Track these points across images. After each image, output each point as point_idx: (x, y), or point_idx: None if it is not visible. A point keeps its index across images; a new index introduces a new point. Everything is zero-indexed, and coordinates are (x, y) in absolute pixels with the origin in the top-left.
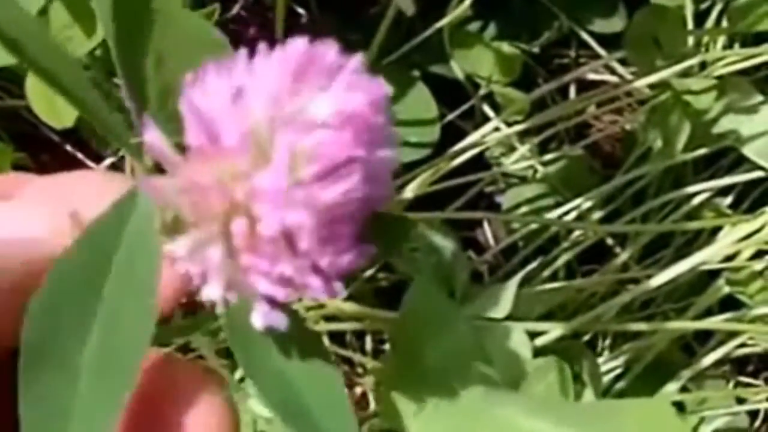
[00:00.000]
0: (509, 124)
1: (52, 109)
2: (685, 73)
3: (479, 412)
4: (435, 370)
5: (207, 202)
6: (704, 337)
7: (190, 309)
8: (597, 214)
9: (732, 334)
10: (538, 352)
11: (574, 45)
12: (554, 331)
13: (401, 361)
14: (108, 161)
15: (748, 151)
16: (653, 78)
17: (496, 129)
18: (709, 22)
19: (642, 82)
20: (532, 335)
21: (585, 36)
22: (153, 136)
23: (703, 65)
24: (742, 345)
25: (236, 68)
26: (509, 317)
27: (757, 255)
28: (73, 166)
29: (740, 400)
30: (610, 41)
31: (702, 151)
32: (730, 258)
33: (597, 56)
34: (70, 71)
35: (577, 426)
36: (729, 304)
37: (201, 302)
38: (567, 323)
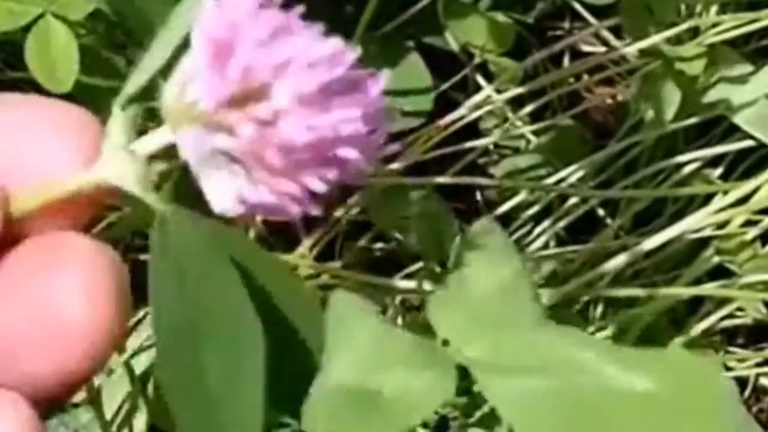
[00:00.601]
0: (502, 93)
1: (51, 75)
2: (677, 42)
3: (530, 337)
4: (489, 296)
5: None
6: (694, 308)
7: None
8: (589, 184)
9: (721, 304)
10: None
11: (568, 17)
12: (544, 298)
13: (456, 284)
14: None
15: (738, 119)
16: (644, 44)
17: (488, 98)
18: None
19: (633, 48)
20: None
21: (578, 7)
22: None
23: (695, 34)
24: (731, 316)
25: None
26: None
27: (747, 224)
28: None
29: (728, 369)
30: (603, 13)
31: (693, 120)
32: (720, 228)
33: (590, 26)
34: None
35: (623, 362)
36: (719, 274)
37: None
38: (557, 290)
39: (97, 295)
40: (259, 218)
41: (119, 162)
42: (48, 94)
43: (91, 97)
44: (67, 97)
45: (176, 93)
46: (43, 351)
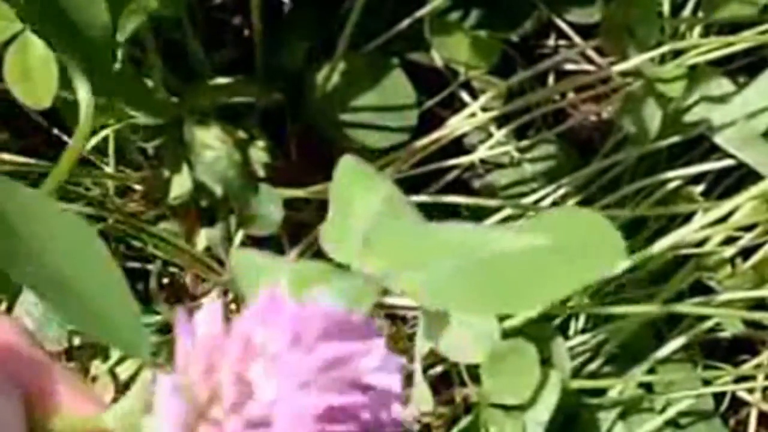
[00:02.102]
0: (488, 111)
1: (30, 89)
2: (660, 61)
3: (423, 235)
4: (369, 212)
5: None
6: (673, 323)
7: None
8: (572, 201)
9: (700, 319)
10: (507, 335)
11: (553, 36)
12: (524, 313)
13: (338, 212)
14: (91, 143)
15: (719, 139)
16: (626, 65)
17: (473, 115)
18: (686, 12)
19: (616, 69)
20: (502, 317)
21: (563, 26)
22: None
23: (676, 55)
24: (711, 331)
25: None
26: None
27: (727, 241)
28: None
29: (707, 383)
30: (589, 32)
31: (675, 139)
32: (700, 244)
33: (576, 47)
34: None
35: (517, 229)
36: (698, 291)
37: None
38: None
39: None
40: None
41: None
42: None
43: (71, 112)
44: (47, 112)
45: None
46: None
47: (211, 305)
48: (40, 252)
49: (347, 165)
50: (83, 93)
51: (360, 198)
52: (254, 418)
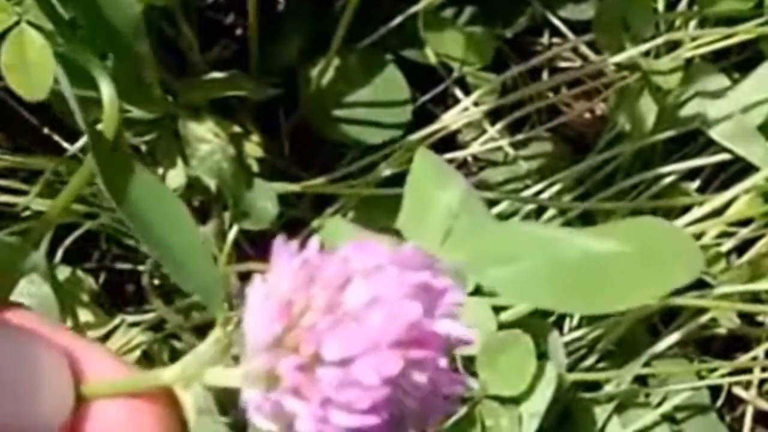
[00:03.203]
0: (480, 106)
1: (26, 82)
2: (655, 56)
3: (502, 233)
4: (447, 211)
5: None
6: (669, 319)
7: None
8: (567, 197)
9: (696, 315)
10: (504, 327)
11: (547, 33)
12: (520, 306)
13: (416, 211)
14: (83, 139)
15: (714, 134)
16: (621, 57)
17: (467, 110)
18: (681, 6)
19: (610, 61)
20: (498, 310)
21: (557, 22)
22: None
23: (672, 48)
24: (706, 327)
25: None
26: (476, 291)
27: (723, 236)
28: (47, 146)
29: (702, 379)
30: (582, 28)
31: (671, 133)
32: (696, 239)
33: (569, 42)
34: None
35: (595, 234)
36: (694, 286)
37: None
38: None
39: None
40: None
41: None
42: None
43: (65, 106)
44: (43, 105)
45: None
46: None
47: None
48: (151, 224)
49: (424, 159)
50: (106, 90)
51: (439, 193)
52: (347, 316)
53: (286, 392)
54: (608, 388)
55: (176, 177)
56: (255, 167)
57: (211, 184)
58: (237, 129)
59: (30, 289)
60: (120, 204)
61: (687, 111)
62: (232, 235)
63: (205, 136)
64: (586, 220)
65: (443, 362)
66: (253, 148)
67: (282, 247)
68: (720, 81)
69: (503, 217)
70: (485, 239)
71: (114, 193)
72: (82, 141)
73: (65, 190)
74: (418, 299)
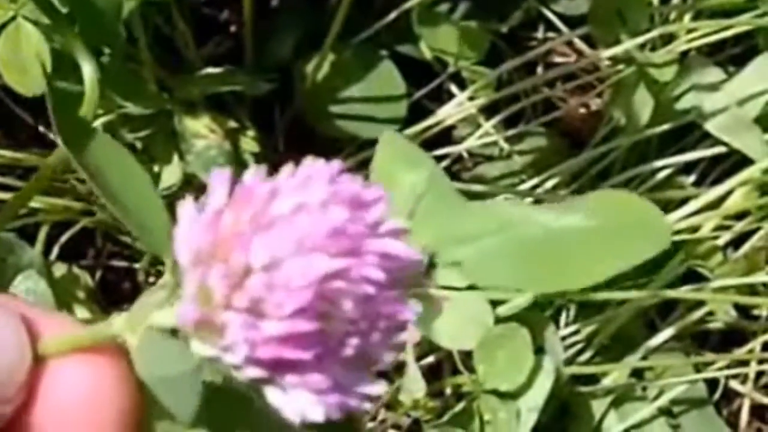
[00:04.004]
0: (475, 101)
1: (22, 78)
2: (650, 49)
3: (467, 213)
4: (412, 191)
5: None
6: (666, 312)
7: None
8: (563, 191)
9: (692, 308)
10: (500, 322)
11: (541, 27)
12: (516, 300)
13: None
14: None
15: (710, 126)
16: (616, 50)
17: (462, 105)
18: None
19: (605, 54)
20: (495, 304)
21: (552, 17)
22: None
23: (667, 41)
24: (703, 320)
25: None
26: (472, 286)
27: (719, 229)
28: (44, 143)
29: (699, 372)
30: (577, 23)
31: (666, 127)
32: (692, 233)
33: (565, 40)
34: None
35: (560, 209)
36: (691, 280)
37: None
38: (529, 293)
39: None
40: None
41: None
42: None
43: (62, 101)
44: (38, 100)
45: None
46: None
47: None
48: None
49: (389, 140)
50: (88, 69)
51: (403, 173)
52: (273, 223)
53: (218, 307)
54: (605, 382)
55: (172, 173)
56: (251, 162)
57: (207, 179)
58: (233, 124)
59: (27, 286)
60: (80, 161)
61: (682, 104)
62: None
63: (201, 132)
64: None
65: (383, 281)
66: (248, 144)
67: (217, 174)
68: (715, 74)
69: None
70: (449, 219)
71: (74, 150)
72: None
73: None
74: (347, 208)
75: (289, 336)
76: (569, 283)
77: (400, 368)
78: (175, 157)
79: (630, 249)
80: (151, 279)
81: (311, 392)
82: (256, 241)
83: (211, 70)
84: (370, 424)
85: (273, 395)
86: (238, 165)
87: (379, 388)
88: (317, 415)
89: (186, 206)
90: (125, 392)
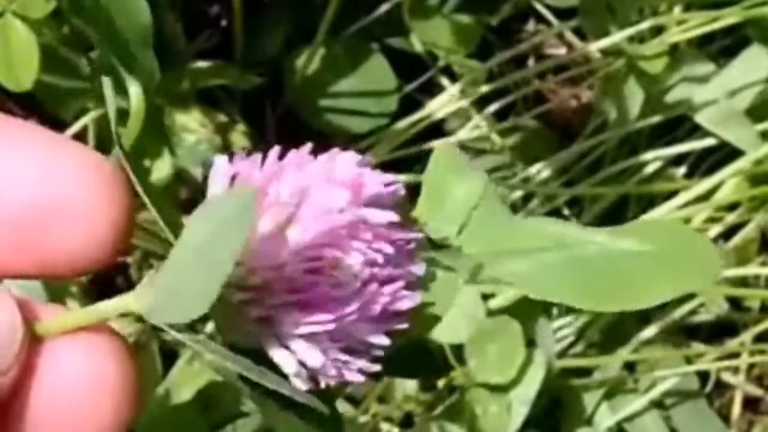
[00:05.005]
0: (467, 95)
1: (11, 73)
2: (640, 41)
3: (519, 228)
4: (465, 203)
5: None
6: (657, 305)
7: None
8: (554, 183)
9: (684, 300)
10: (492, 315)
11: (532, 21)
12: (508, 293)
13: (433, 202)
14: (71, 130)
15: (700, 118)
16: (606, 42)
17: (453, 97)
18: None
19: (595, 46)
20: (486, 297)
21: (542, 9)
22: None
23: (658, 33)
24: (694, 312)
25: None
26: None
27: (710, 221)
28: None
29: (690, 364)
30: (568, 15)
31: (657, 119)
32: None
33: (555, 32)
34: None
35: (613, 233)
36: None
37: None
38: None
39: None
40: None
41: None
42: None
43: (52, 96)
44: (28, 96)
45: None
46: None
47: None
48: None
49: (443, 150)
50: (134, 89)
51: (456, 185)
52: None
53: None
54: (597, 375)
55: (162, 167)
56: None
57: (197, 173)
58: (223, 119)
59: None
60: None
61: (673, 96)
62: None
63: (191, 126)
64: (573, 206)
65: (390, 254)
66: (239, 138)
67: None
68: (706, 66)
69: None
70: (503, 232)
71: None
72: (69, 131)
73: None
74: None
75: (310, 257)
76: (628, 304)
77: None
78: (166, 152)
79: (683, 277)
80: (144, 273)
81: (313, 341)
82: (286, 176)
83: (201, 64)
84: (362, 418)
85: (273, 346)
86: None
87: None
88: (316, 360)
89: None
90: (125, 370)
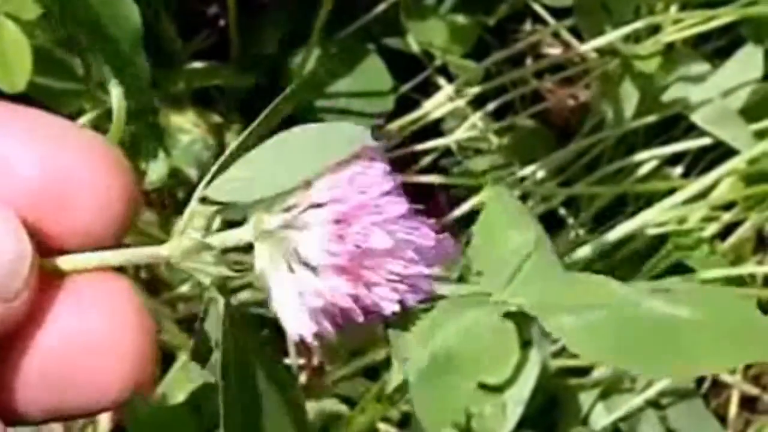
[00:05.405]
0: (463, 95)
1: (4, 74)
2: (636, 41)
3: (570, 283)
4: (518, 251)
5: None
6: None
7: None
8: (551, 183)
9: None
10: None
11: (529, 20)
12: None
13: (486, 247)
14: None
15: (696, 118)
16: (601, 41)
17: (450, 99)
18: None
19: (590, 46)
20: None
21: (538, 8)
22: None
23: (653, 33)
24: None
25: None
26: (459, 279)
27: (706, 220)
28: None
29: None
30: (564, 15)
31: (653, 118)
32: (678, 224)
33: (552, 31)
34: None
35: (668, 298)
36: (677, 272)
37: None
38: None
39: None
40: None
41: (194, 250)
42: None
43: (46, 98)
44: (21, 97)
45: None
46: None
47: None
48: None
49: (498, 196)
50: (115, 90)
51: (511, 232)
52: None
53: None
54: (593, 374)
55: (158, 168)
56: (237, 158)
57: (192, 174)
58: (218, 119)
59: None
60: None
61: (669, 96)
62: (214, 227)
63: (186, 127)
64: (570, 205)
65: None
66: (234, 139)
67: None
68: (701, 65)
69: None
70: (553, 285)
71: None
72: None
73: None
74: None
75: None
76: (678, 371)
77: (388, 362)
78: (161, 153)
79: (735, 348)
80: (142, 275)
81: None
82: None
83: (196, 64)
84: (359, 418)
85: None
86: None
87: None
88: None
89: None
90: (146, 325)
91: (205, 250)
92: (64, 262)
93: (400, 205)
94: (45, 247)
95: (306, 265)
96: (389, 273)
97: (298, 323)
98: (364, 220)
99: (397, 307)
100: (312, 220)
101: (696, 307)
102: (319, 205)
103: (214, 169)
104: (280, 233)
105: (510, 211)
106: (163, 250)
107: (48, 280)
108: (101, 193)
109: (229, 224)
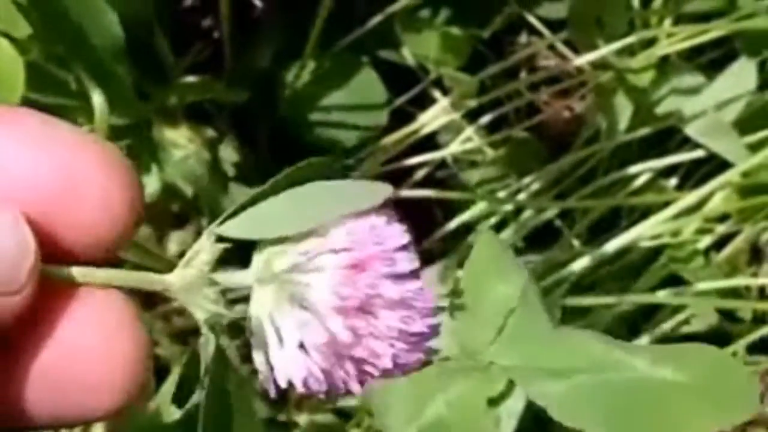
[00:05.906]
0: (458, 107)
1: None
2: (631, 53)
3: (556, 343)
4: (503, 305)
5: None
6: (649, 316)
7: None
8: (546, 195)
9: (675, 311)
10: None
11: (524, 33)
12: None
13: (471, 297)
14: None
15: (690, 130)
16: (595, 55)
17: (445, 111)
18: (656, 4)
19: (584, 60)
20: None
21: (533, 21)
22: None
23: (648, 46)
24: (685, 323)
25: None
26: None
27: (700, 232)
28: None
29: None
30: (559, 27)
31: (648, 130)
32: (673, 236)
33: (547, 43)
34: None
35: (651, 357)
36: (672, 284)
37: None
38: None
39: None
40: None
41: (197, 284)
42: None
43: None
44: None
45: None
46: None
47: None
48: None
49: (487, 243)
50: (97, 99)
51: (496, 283)
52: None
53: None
54: None
55: (152, 183)
56: (231, 172)
57: (187, 189)
58: (212, 134)
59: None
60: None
61: (663, 108)
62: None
63: (179, 142)
64: (565, 217)
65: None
66: (229, 153)
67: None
68: (695, 78)
69: (481, 218)
70: (538, 345)
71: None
72: None
73: None
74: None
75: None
76: None
77: None
78: (154, 168)
79: (720, 409)
80: None
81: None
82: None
83: (190, 78)
84: (355, 430)
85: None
86: (218, 174)
87: None
88: (388, 362)
89: None
90: (147, 341)
91: (209, 286)
92: (64, 271)
93: (411, 263)
94: (47, 252)
95: (309, 309)
96: (389, 328)
97: (290, 367)
98: (377, 269)
99: (390, 364)
100: (326, 263)
101: (679, 366)
102: (334, 251)
103: (229, 210)
104: (285, 276)
105: (497, 260)
106: (167, 278)
107: (47, 288)
108: (106, 193)
109: (221, 261)
